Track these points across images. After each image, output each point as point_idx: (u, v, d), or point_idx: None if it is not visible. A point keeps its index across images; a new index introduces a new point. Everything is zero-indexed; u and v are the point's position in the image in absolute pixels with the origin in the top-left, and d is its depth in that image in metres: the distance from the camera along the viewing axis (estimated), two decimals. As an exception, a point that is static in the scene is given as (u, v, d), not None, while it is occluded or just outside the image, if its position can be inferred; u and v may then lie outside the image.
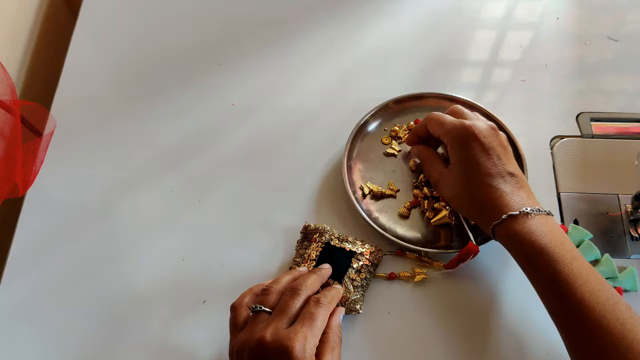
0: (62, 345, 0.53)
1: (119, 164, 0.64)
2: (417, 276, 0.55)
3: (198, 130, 0.66)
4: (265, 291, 0.48)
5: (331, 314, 0.49)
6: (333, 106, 0.66)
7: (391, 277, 0.56)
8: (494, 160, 0.51)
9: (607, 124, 0.65)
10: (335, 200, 0.60)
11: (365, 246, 0.56)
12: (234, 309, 0.49)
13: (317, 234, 0.57)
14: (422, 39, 0.73)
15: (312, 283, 0.49)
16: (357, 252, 0.56)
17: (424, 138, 0.59)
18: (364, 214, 0.58)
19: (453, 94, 0.65)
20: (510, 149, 0.53)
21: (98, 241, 0.59)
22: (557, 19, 0.74)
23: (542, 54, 0.71)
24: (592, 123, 0.65)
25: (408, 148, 0.63)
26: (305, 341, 0.43)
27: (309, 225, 0.58)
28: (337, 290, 0.51)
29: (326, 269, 0.53)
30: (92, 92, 0.69)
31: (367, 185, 0.61)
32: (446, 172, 0.54)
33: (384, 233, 0.57)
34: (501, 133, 0.54)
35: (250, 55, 0.72)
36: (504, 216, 0.48)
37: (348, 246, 0.56)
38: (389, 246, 0.58)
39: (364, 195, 0.60)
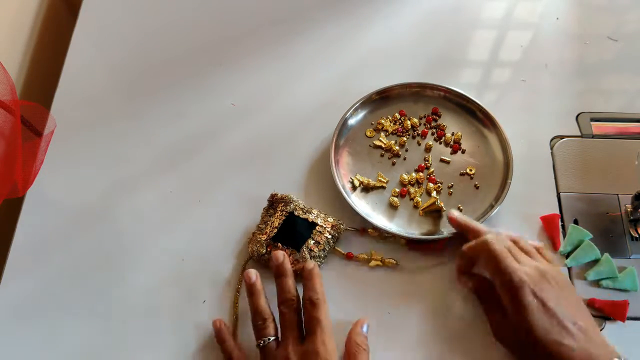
0: (62, 345, 0.53)
1: (119, 164, 0.64)
2: (373, 261, 0.56)
3: (198, 130, 0.66)
4: (259, 324, 0.50)
5: (351, 329, 0.52)
6: (333, 106, 0.66)
7: (348, 257, 0.57)
8: (551, 314, 0.46)
9: (607, 124, 0.65)
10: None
11: (328, 219, 0.57)
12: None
13: (283, 203, 0.57)
14: (422, 39, 0.73)
15: (290, 285, 0.51)
16: (319, 223, 0.56)
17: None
18: (354, 205, 0.58)
19: (438, 83, 0.66)
20: (570, 288, 0.49)
21: (98, 241, 0.59)
22: (557, 19, 0.74)
23: (542, 54, 0.71)
24: (592, 123, 0.65)
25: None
26: (325, 346, 0.48)
27: (276, 194, 0.58)
28: (316, 273, 0.52)
29: (281, 254, 0.53)
30: (92, 92, 0.69)
31: (356, 178, 0.61)
32: (506, 322, 0.49)
33: (375, 223, 0.57)
34: (557, 271, 0.49)
35: (250, 55, 0.72)
36: None
37: (311, 217, 0.57)
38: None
39: (354, 188, 0.60)
